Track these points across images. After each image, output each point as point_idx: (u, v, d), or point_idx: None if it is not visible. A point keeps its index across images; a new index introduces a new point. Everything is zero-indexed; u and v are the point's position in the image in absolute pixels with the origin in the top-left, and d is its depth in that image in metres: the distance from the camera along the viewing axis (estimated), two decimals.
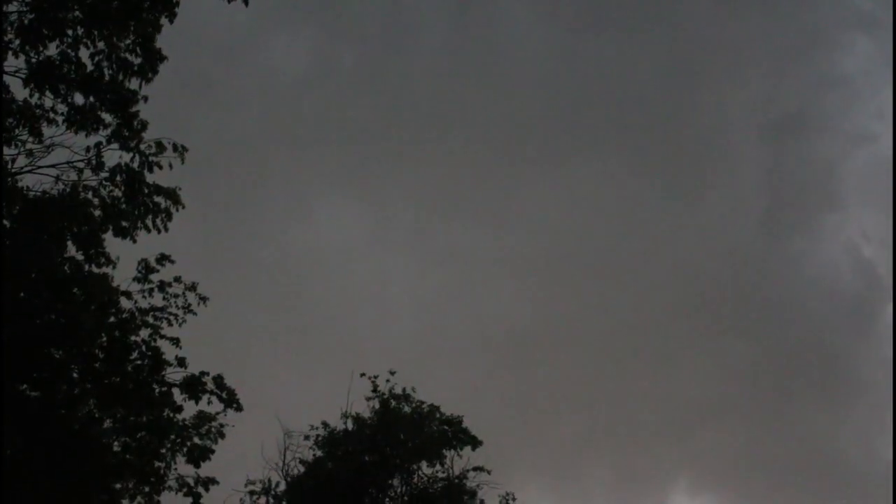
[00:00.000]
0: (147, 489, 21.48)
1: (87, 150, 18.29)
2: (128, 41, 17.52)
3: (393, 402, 28.93)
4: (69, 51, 17.54)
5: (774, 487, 55.68)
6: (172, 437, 21.09)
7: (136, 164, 18.50)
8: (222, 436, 21.97)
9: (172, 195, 18.86)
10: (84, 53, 17.71)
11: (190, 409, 21.39)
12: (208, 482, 21.70)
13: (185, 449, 21.30)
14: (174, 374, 20.57)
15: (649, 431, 57.60)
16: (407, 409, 28.97)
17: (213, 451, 21.72)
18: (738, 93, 77.83)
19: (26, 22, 17.28)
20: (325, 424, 29.28)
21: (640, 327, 65.67)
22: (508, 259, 70.47)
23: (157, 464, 20.98)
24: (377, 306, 65.62)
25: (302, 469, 28.26)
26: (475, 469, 29.03)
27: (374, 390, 29.18)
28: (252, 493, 28.11)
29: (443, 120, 75.93)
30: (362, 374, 29.35)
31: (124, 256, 19.88)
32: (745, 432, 59.82)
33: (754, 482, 56.35)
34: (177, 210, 18.96)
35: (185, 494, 21.75)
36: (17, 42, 17.40)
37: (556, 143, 74.74)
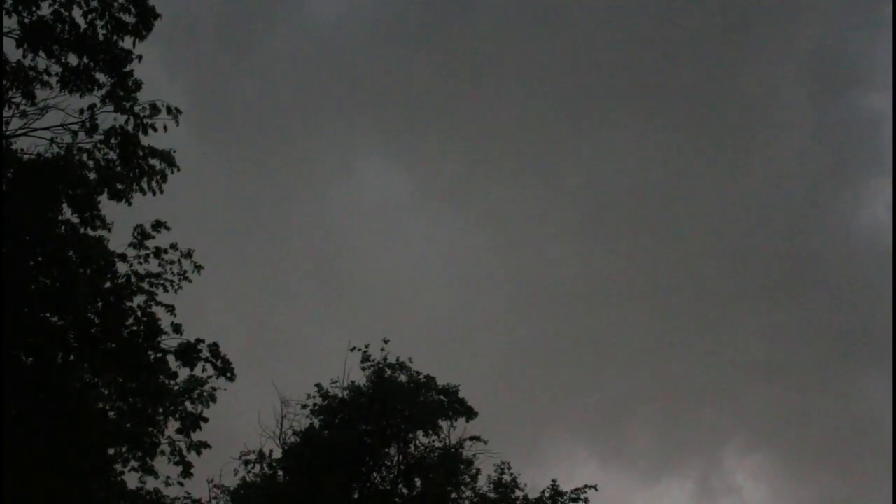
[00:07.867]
0: (141, 454, 21.36)
1: (81, 111, 18.21)
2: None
3: (388, 371, 28.90)
4: (62, 10, 17.45)
5: (826, 449, 55.86)
6: (167, 403, 21.02)
7: (130, 127, 18.45)
8: (213, 399, 21.81)
9: (167, 157, 18.78)
10: (77, 13, 17.65)
11: (183, 376, 21.30)
12: (200, 446, 21.58)
13: (177, 415, 21.23)
14: (170, 342, 20.51)
15: (699, 392, 57.35)
16: (403, 378, 28.94)
17: (205, 420, 21.62)
18: (787, 52, 76.39)
19: None
20: (319, 387, 29.02)
21: (687, 288, 65.40)
22: (552, 219, 70.48)
23: (151, 430, 20.93)
24: (417, 265, 65.34)
25: (298, 438, 28.23)
26: (472, 438, 29.06)
27: (365, 360, 29.07)
28: (247, 461, 28.03)
29: (486, 81, 75.67)
30: (357, 348, 29.25)
31: (126, 222, 19.77)
32: (797, 394, 59.57)
33: (806, 443, 56.54)
34: (172, 172, 18.91)
35: (177, 464, 21.68)
36: (10, 1, 17.29)
37: (602, 103, 73.91)
